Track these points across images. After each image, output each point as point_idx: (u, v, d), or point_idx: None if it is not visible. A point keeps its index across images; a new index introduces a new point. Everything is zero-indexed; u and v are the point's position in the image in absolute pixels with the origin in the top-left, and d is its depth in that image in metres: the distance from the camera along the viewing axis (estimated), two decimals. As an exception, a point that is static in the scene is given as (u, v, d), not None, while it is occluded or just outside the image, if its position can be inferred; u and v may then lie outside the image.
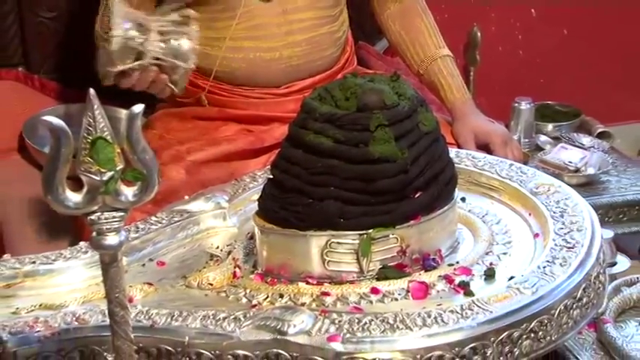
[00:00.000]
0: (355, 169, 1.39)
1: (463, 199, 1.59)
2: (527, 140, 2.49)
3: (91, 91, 1.10)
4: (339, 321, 1.28)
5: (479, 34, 2.82)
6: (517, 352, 1.29)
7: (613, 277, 1.87)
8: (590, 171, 2.31)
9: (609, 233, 2.04)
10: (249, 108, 1.93)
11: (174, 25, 1.69)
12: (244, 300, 1.40)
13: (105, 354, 1.32)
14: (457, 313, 1.28)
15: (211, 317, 1.31)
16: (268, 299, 1.39)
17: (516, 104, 2.50)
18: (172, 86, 1.72)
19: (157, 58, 1.67)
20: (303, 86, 1.93)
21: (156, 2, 1.88)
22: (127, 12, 1.66)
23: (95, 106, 1.10)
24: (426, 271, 1.41)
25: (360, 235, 1.39)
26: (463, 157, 1.68)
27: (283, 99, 1.93)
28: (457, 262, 1.44)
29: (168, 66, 1.69)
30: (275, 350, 1.27)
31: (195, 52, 1.70)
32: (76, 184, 1.13)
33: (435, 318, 1.27)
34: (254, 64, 1.89)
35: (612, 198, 2.29)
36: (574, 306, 1.34)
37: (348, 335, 1.25)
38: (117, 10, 1.65)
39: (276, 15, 1.88)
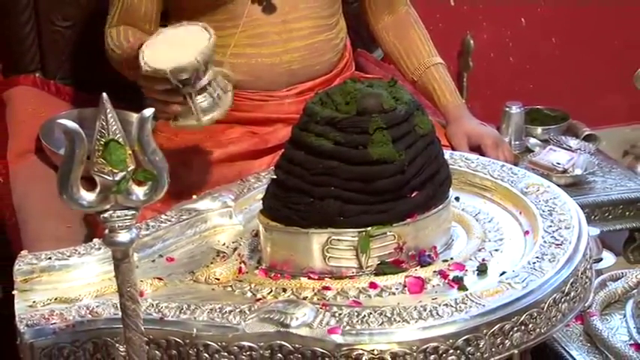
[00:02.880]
0: (355, 170, 1.38)
1: (457, 199, 1.59)
2: (517, 143, 2.49)
3: (104, 95, 1.10)
4: (339, 314, 1.27)
5: (471, 41, 2.82)
6: (508, 344, 1.28)
7: (599, 273, 1.87)
8: (577, 172, 2.31)
9: (595, 231, 2.04)
10: (253, 110, 1.93)
11: (219, 85, 1.66)
12: (249, 294, 1.40)
13: (117, 345, 1.32)
14: (451, 306, 1.27)
15: (218, 310, 1.31)
16: (272, 293, 1.39)
17: (507, 108, 2.50)
18: (172, 119, 1.68)
19: (190, 94, 1.62)
20: (303, 89, 1.93)
21: (160, 18, 1.88)
22: (212, 49, 1.63)
23: (108, 110, 1.10)
24: (422, 266, 1.41)
25: (359, 232, 1.38)
26: (457, 159, 1.68)
27: (285, 101, 1.93)
28: (451, 259, 1.44)
29: (189, 106, 1.64)
30: (278, 342, 1.27)
31: (214, 120, 1.66)
32: (90, 184, 1.12)
33: (431, 311, 1.26)
34: (256, 68, 1.89)
35: (598, 197, 2.30)
36: (562, 300, 1.34)
37: (347, 328, 1.25)
38: (211, 41, 1.61)
39: (277, 24, 1.88)
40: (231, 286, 1.42)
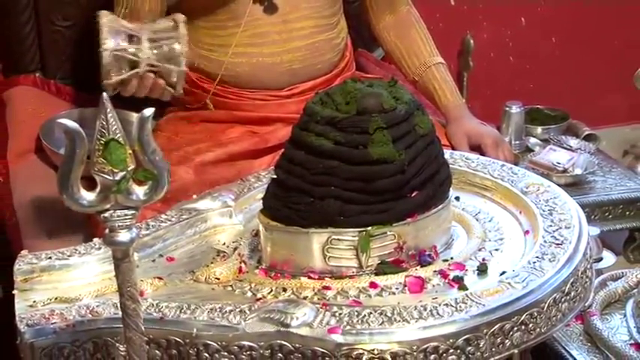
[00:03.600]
0: (355, 170, 1.38)
1: (457, 198, 1.58)
2: (517, 142, 2.49)
3: (104, 95, 1.10)
4: (340, 314, 1.27)
5: (472, 41, 2.82)
6: (508, 344, 1.28)
7: (599, 272, 1.87)
8: (578, 171, 2.31)
9: (595, 230, 2.04)
10: (253, 110, 1.93)
11: (164, 31, 1.68)
12: (249, 294, 1.40)
13: (117, 345, 1.32)
14: (451, 306, 1.27)
15: (218, 310, 1.31)
16: (272, 293, 1.39)
17: (507, 108, 2.50)
18: (171, 89, 1.72)
19: (152, 65, 1.66)
20: (304, 89, 1.93)
21: (164, 14, 1.88)
22: (116, 25, 1.65)
23: (108, 110, 1.10)
24: (422, 266, 1.41)
25: (360, 232, 1.38)
26: (457, 159, 1.68)
27: (286, 100, 1.93)
28: (451, 258, 1.43)
29: (163, 71, 1.68)
30: (278, 341, 1.26)
31: (186, 55, 1.69)
32: (90, 184, 1.12)
33: (431, 311, 1.26)
34: (257, 68, 1.89)
35: (598, 197, 2.30)
36: (562, 299, 1.34)
37: (347, 327, 1.25)
38: (104, 24, 1.64)
39: (278, 24, 1.88)
40: (231, 285, 1.42)
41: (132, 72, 1.66)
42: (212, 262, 1.50)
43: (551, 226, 1.45)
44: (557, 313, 1.33)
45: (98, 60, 1.70)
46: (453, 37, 2.79)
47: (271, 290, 1.39)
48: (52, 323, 1.32)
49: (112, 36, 1.64)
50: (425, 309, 1.27)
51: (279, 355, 1.27)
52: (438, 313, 1.26)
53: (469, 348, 1.26)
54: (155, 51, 1.67)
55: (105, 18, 1.65)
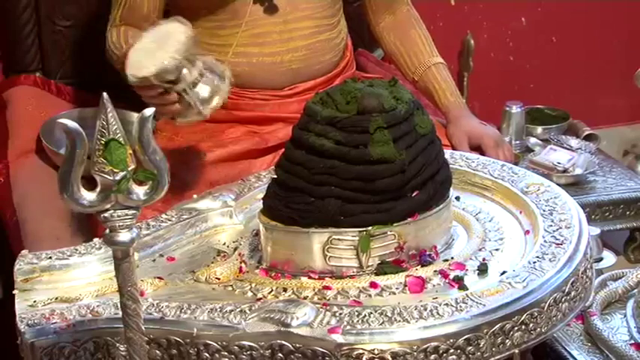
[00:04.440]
0: (355, 170, 1.38)
1: (457, 198, 1.58)
2: (517, 142, 2.48)
3: (105, 95, 1.10)
4: (340, 314, 1.27)
5: (472, 41, 2.82)
6: (509, 343, 1.28)
7: (599, 272, 1.87)
8: (578, 171, 2.31)
9: (596, 230, 2.04)
10: (254, 109, 1.93)
11: (213, 74, 1.65)
12: (250, 294, 1.40)
13: (117, 345, 1.32)
14: (452, 306, 1.27)
15: (218, 310, 1.31)
16: (272, 293, 1.39)
17: (507, 108, 2.49)
18: (175, 117, 1.69)
19: (185, 90, 1.63)
20: (304, 88, 1.93)
21: (163, 17, 1.88)
22: (193, 41, 1.63)
23: (108, 110, 1.09)
24: (423, 266, 1.41)
25: (360, 232, 1.38)
26: (457, 158, 1.68)
27: (286, 100, 1.93)
28: (452, 258, 1.43)
29: (188, 101, 1.64)
30: (279, 341, 1.26)
31: (215, 109, 1.66)
32: (90, 184, 1.12)
33: (431, 311, 1.26)
34: (257, 67, 1.89)
35: (598, 197, 2.29)
36: (563, 299, 1.34)
37: (348, 327, 1.25)
38: (190, 38, 1.61)
39: (278, 24, 1.88)
40: (231, 285, 1.42)
41: (167, 81, 1.60)
42: (212, 262, 1.50)
43: (551, 225, 1.44)
44: (557, 313, 1.33)
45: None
46: (454, 37, 2.79)
47: (272, 290, 1.39)
48: (53, 323, 1.32)
49: (187, 48, 1.61)
50: (425, 309, 1.27)
51: (280, 355, 1.27)
52: (438, 313, 1.26)
53: (469, 348, 1.26)
54: (198, 84, 1.64)
55: (190, 32, 1.61)
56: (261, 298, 1.37)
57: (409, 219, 1.40)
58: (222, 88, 1.67)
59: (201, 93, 1.64)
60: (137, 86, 1.64)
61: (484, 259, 1.42)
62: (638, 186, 2.34)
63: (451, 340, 1.25)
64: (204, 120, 1.94)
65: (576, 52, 2.92)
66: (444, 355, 1.25)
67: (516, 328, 1.28)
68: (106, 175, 1.11)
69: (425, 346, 1.24)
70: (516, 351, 1.30)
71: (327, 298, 1.36)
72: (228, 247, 1.54)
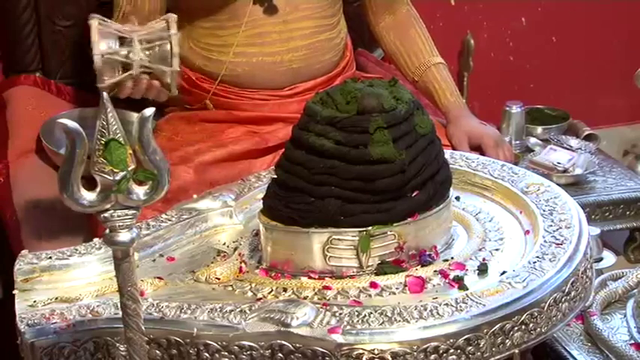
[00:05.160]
0: (355, 170, 1.38)
1: (457, 198, 1.58)
2: (517, 142, 2.49)
3: (105, 95, 1.10)
4: (340, 314, 1.27)
5: (472, 41, 2.82)
6: (509, 343, 1.28)
7: (599, 272, 1.87)
8: (578, 171, 2.31)
9: (596, 230, 2.04)
10: (254, 109, 1.93)
11: (156, 32, 1.67)
12: (250, 294, 1.40)
13: (117, 345, 1.32)
14: (452, 306, 1.27)
15: (218, 310, 1.31)
16: (272, 293, 1.39)
17: (507, 108, 2.49)
18: (166, 90, 1.71)
19: (145, 67, 1.65)
20: (304, 88, 1.93)
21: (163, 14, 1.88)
22: (107, 28, 1.64)
23: (108, 110, 1.09)
24: (423, 266, 1.41)
25: (360, 232, 1.38)
26: (457, 158, 1.68)
27: (286, 100, 1.93)
28: (452, 258, 1.43)
29: (157, 72, 1.67)
30: (279, 341, 1.26)
31: (178, 54, 1.67)
32: (90, 184, 1.12)
33: (431, 311, 1.26)
34: (257, 67, 1.89)
35: (598, 197, 2.29)
36: (563, 299, 1.34)
37: (348, 327, 1.25)
38: (94, 27, 1.63)
39: (278, 24, 1.88)
40: (231, 285, 1.42)
41: (125, 75, 1.65)
42: (212, 262, 1.50)
43: (551, 225, 1.44)
44: (557, 313, 1.33)
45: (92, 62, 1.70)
46: (454, 37, 2.79)
47: (272, 290, 1.39)
48: (53, 323, 1.31)
49: (103, 39, 1.63)
50: (425, 309, 1.27)
51: (280, 355, 1.27)
52: (438, 313, 1.26)
53: (469, 348, 1.26)
54: (147, 52, 1.66)
55: (95, 21, 1.64)
56: (261, 298, 1.37)
57: (409, 219, 1.40)
58: (171, 35, 1.66)
59: (158, 56, 1.66)
60: (117, 92, 1.68)
61: (484, 259, 1.42)
62: (638, 186, 2.34)
63: (451, 340, 1.25)
64: (204, 120, 1.94)
65: (576, 52, 2.92)
66: (444, 355, 1.25)
67: (516, 328, 1.28)
68: (106, 175, 1.11)
69: (425, 346, 1.24)
70: (516, 351, 1.30)
71: (327, 298, 1.36)
72: (228, 247, 1.54)
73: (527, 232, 1.49)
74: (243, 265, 1.47)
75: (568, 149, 2.38)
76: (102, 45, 1.62)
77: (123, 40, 1.65)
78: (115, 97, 1.71)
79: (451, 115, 1.99)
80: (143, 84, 1.68)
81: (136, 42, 1.64)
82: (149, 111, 1.11)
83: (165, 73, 1.68)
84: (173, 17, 1.69)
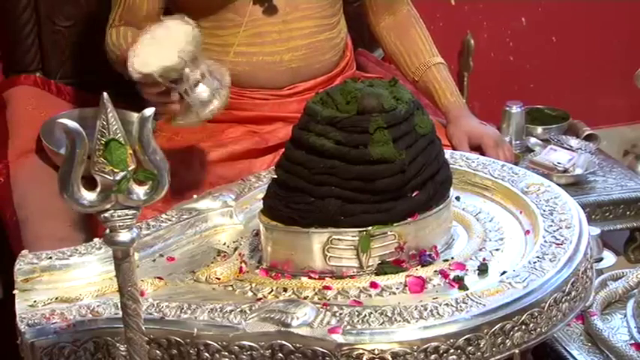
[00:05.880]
0: (355, 170, 1.38)
1: (457, 198, 1.58)
2: (517, 142, 2.49)
3: (105, 95, 1.10)
4: (340, 314, 1.27)
5: (472, 41, 2.82)
6: (509, 343, 1.28)
7: (599, 272, 1.87)
8: (578, 171, 2.31)
9: (596, 230, 2.04)
10: (254, 109, 1.93)
11: (215, 78, 1.65)
12: (250, 294, 1.40)
13: (118, 345, 1.32)
14: (452, 306, 1.27)
15: (218, 310, 1.31)
16: (273, 293, 1.39)
17: (508, 108, 2.50)
18: (174, 117, 1.68)
19: (185, 91, 1.62)
20: (304, 88, 1.93)
21: (162, 15, 1.88)
22: (197, 40, 1.62)
23: (108, 110, 1.09)
24: (423, 266, 1.41)
25: (360, 232, 1.38)
26: (457, 158, 1.68)
27: (286, 100, 1.93)
28: (452, 258, 1.43)
29: (188, 102, 1.63)
30: (279, 341, 1.26)
31: (214, 113, 1.65)
32: (91, 184, 1.12)
33: (431, 311, 1.26)
34: (257, 67, 1.89)
35: (599, 197, 2.30)
36: (563, 299, 1.34)
37: (348, 327, 1.25)
38: (195, 37, 1.60)
39: (278, 24, 1.88)
40: (231, 285, 1.42)
41: (171, 81, 1.60)
42: (212, 262, 1.50)
43: (551, 226, 1.44)
44: (557, 313, 1.33)
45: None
46: (454, 37, 2.79)
47: (272, 290, 1.39)
48: (53, 323, 1.31)
49: (193, 48, 1.60)
50: (425, 309, 1.27)
51: (280, 355, 1.27)
52: (438, 313, 1.26)
53: (470, 348, 1.26)
54: (199, 86, 1.64)
55: (196, 33, 1.61)
56: (261, 298, 1.37)
57: (409, 219, 1.40)
58: (222, 93, 1.66)
59: (202, 95, 1.64)
60: (139, 82, 1.63)
61: (484, 259, 1.42)
62: (638, 186, 2.34)
63: (451, 340, 1.25)
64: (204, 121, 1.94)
65: (576, 52, 2.92)
66: (444, 355, 1.25)
67: (516, 328, 1.28)
68: (106, 175, 1.11)
69: (425, 346, 1.24)
70: (516, 351, 1.30)
71: (328, 298, 1.36)
72: (228, 247, 1.54)
73: (527, 232, 1.49)
74: (243, 265, 1.47)
75: (568, 149, 2.38)
76: (188, 47, 1.59)
77: (194, 60, 1.61)
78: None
79: (451, 115, 1.99)
80: (169, 98, 1.63)
81: (201, 68, 1.61)
82: (149, 111, 1.11)
83: (192, 113, 1.64)
84: (228, 81, 1.67)
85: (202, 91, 1.63)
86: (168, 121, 1.89)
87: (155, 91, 1.63)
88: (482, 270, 1.39)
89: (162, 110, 1.65)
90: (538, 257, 1.37)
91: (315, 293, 1.37)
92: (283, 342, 1.26)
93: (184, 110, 1.65)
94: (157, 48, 1.62)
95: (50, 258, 1.47)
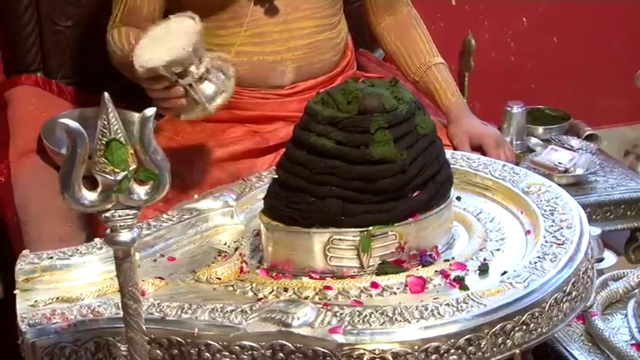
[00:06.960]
0: (356, 170, 1.38)
1: (458, 198, 1.58)
2: (518, 142, 2.49)
3: (106, 95, 1.10)
4: (341, 314, 1.27)
5: (473, 41, 2.82)
6: (510, 344, 1.28)
7: (600, 272, 1.87)
8: (579, 171, 2.31)
9: (597, 230, 2.04)
10: (254, 108, 1.93)
11: (219, 72, 1.65)
12: (250, 294, 1.40)
13: (119, 345, 1.32)
14: (453, 306, 1.27)
15: (219, 310, 1.31)
16: (273, 293, 1.39)
17: (508, 108, 2.50)
18: (179, 113, 1.67)
19: (190, 85, 1.62)
20: (305, 87, 1.93)
21: (163, 15, 1.88)
22: (200, 36, 1.62)
23: (109, 110, 1.09)
24: (423, 266, 1.41)
25: (361, 232, 1.38)
26: (458, 158, 1.68)
27: (287, 99, 1.93)
28: (453, 258, 1.43)
29: (193, 97, 1.63)
30: (280, 341, 1.26)
31: (220, 105, 1.65)
32: (91, 184, 1.12)
33: (432, 311, 1.26)
34: (258, 66, 1.89)
35: (599, 197, 2.30)
36: (564, 299, 1.34)
37: (349, 327, 1.25)
38: (199, 33, 1.60)
39: (278, 24, 1.88)
40: (232, 285, 1.42)
41: (176, 75, 1.60)
42: (213, 262, 1.50)
43: (552, 226, 1.44)
44: (558, 313, 1.33)
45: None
46: (454, 37, 2.79)
47: (272, 290, 1.39)
48: (54, 323, 1.31)
49: (197, 42, 1.60)
50: (426, 309, 1.27)
51: (281, 355, 1.27)
52: (439, 313, 1.26)
53: (470, 348, 1.26)
54: (204, 80, 1.63)
55: (199, 27, 1.61)
56: (262, 298, 1.37)
57: (410, 219, 1.40)
58: (228, 85, 1.66)
59: (207, 89, 1.64)
60: (143, 78, 1.63)
61: (485, 259, 1.42)
62: (638, 186, 2.34)
63: (452, 341, 1.25)
64: (205, 120, 1.94)
65: (577, 53, 2.92)
66: (445, 355, 1.25)
67: (517, 328, 1.28)
68: (107, 175, 1.11)
69: (426, 346, 1.24)
70: (517, 351, 1.30)
71: (328, 298, 1.36)
72: (229, 247, 1.54)
73: (528, 232, 1.49)
74: (244, 265, 1.47)
75: (569, 149, 2.38)
76: (192, 40, 1.59)
77: (197, 54, 1.60)
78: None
79: (452, 115, 1.99)
80: (175, 93, 1.63)
81: (206, 62, 1.61)
82: (150, 111, 1.11)
83: (198, 107, 1.64)
84: (233, 71, 1.66)
85: (207, 84, 1.64)
86: (171, 120, 1.90)
87: (160, 86, 1.62)
88: (483, 270, 1.39)
89: (167, 105, 1.65)
90: (539, 257, 1.37)
91: (316, 293, 1.37)
92: (284, 342, 1.26)
93: (189, 105, 1.65)
94: (161, 43, 1.62)
95: (51, 258, 1.47)
